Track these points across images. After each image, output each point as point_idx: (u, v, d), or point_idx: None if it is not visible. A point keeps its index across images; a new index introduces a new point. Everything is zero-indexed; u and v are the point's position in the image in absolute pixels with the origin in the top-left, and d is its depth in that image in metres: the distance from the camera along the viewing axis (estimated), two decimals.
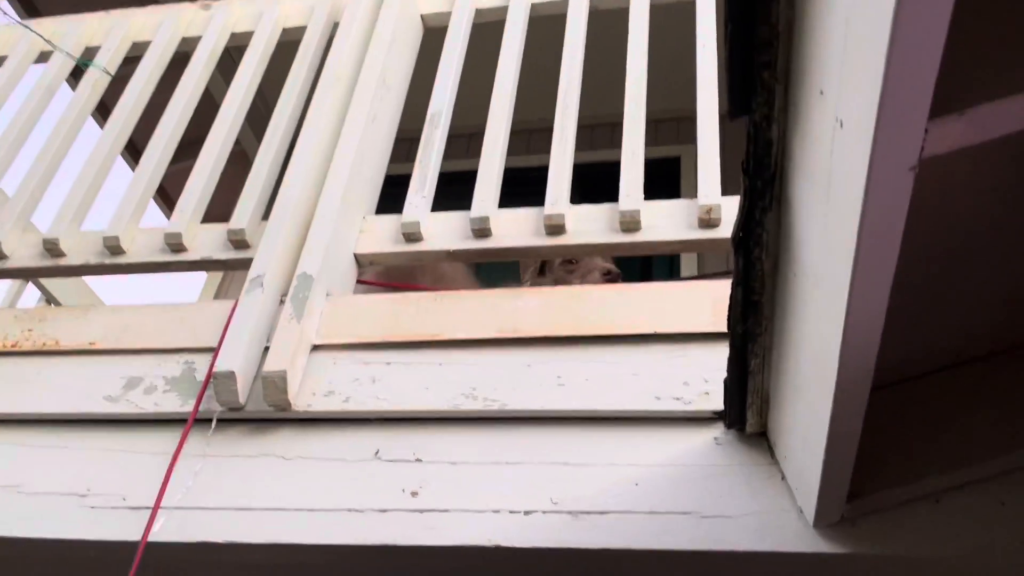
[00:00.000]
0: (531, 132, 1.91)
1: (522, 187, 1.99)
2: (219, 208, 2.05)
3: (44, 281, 2.67)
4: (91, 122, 2.36)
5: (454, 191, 1.92)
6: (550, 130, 1.74)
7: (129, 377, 1.55)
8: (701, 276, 2.55)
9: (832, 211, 0.76)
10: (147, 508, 1.39)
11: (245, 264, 1.74)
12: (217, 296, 3.86)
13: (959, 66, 0.62)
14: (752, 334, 1.07)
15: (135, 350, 1.59)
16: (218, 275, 3.92)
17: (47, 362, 1.61)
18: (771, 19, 0.72)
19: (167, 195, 4.48)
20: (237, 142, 3.63)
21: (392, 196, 1.85)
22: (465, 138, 2.87)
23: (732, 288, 1.02)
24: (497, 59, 1.90)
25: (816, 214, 0.80)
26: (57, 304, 2.71)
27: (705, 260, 3.00)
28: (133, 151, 2.23)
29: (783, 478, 1.23)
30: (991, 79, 0.65)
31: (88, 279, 3.09)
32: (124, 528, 1.38)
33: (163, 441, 1.47)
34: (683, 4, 1.98)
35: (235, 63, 2.07)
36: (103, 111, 2.23)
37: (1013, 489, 1.15)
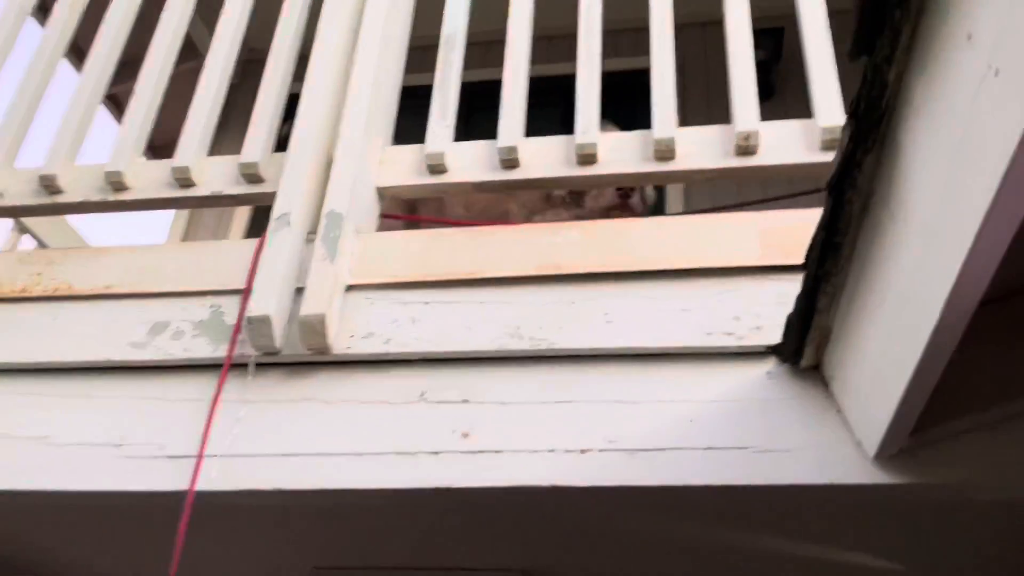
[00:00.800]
0: (550, 39, 1.82)
1: (544, 97, 1.93)
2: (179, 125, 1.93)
3: (31, 225, 2.54)
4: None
5: (471, 104, 1.85)
6: (570, 37, 1.67)
7: (154, 322, 1.49)
8: (758, 201, 2.52)
9: (965, 161, 0.73)
10: (186, 457, 1.36)
11: (259, 199, 1.67)
12: (186, 235, 3.73)
13: None
14: (828, 274, 1.05)
15: (156, 293, 1.52)
16: (184, 214, 3.76)
17: (61, 307, 1.54)
18: None
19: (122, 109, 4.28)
20: (196, 54, 3.46)
21: (402, 108, 1.77)
22: (481, 46, 2.76)
23: (816, 229, 0.99)
24: None
25: (937, 162, 0.77)
26: (42, 245, 2.59)
27: (742, 186, 2.97)
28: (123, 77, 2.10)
29: (838, 411, 1.24)
30: None
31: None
32: (165, 478, 1.35)
33: (196, 388, 1.43)
34: None
35: None
36: (84, 37, 2.08)
37: None
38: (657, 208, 3.21)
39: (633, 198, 2.14)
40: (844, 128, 0.86)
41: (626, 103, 2.31)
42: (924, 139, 0.79)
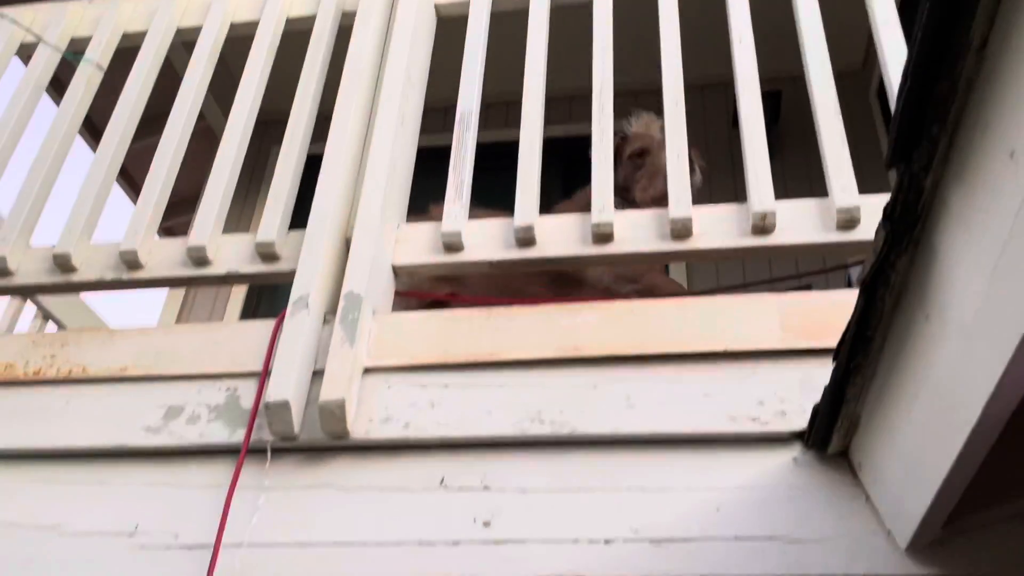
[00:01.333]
0: (551, 99, 1.85)
1: (554, 158, 1.96)
2: (183, 184, 1.93)
3: (48, 305, 2.52)
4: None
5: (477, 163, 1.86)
6: (573, 98, 1.69)
7: (169, 406, 1.47)
8: (765, 281, 2.54)
9: (1007, 271, 0.73)
10: (202, 546, 1.33)
11: (274, 278, 1.67)
12: (181, 313, 3.72)
13: None
14: (859, 367, 1.05)
15: (172, 376, 1.51)
16: (179, 293, 3.76)
17: (76, 391, 1.52)
18: (954, 76, 0.69)
19: (132, 180, 4.30)
20: (202, 116, 3.51)
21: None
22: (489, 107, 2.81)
23: (848, 324, 0.99)
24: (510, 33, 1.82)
25: (976, 269, 0.77)
26: (61, 327, 2.57)
27: (748, 264, 2.99)
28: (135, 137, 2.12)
29: (867, 499, 1.22)
30: None
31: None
32: (180, 568, 1.32)
33: (212, 474, 1.41)
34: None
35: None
36: (97, 110, 2.10)
37: None
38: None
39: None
40: (878, 229, 0.87)
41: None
42: (962, 246, 0.79)
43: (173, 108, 1.90)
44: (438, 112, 2.73)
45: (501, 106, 3.61)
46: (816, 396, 1.20)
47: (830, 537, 1.20)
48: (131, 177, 4.44)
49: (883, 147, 3.92)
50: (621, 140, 2.28)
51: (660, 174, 2.10)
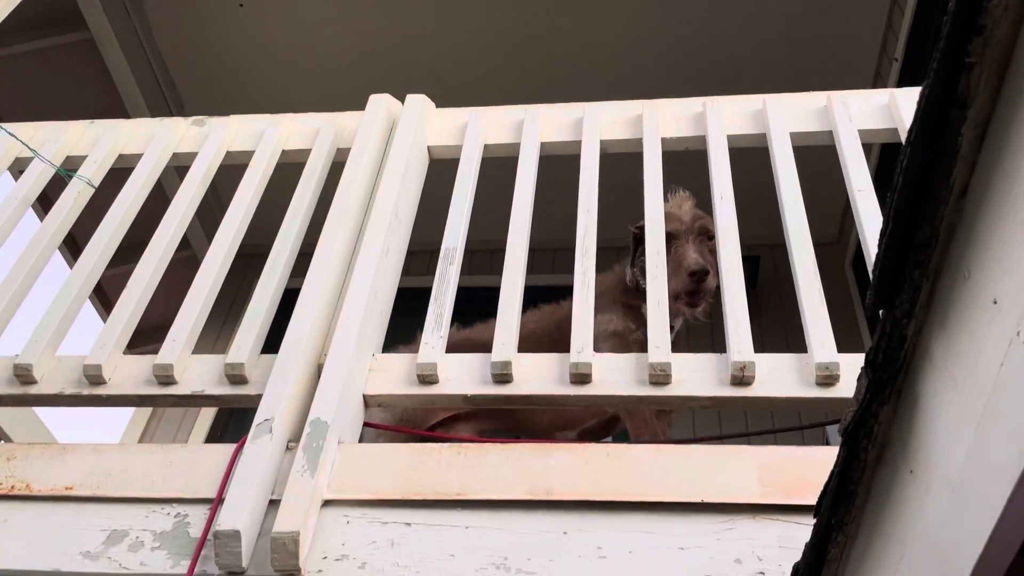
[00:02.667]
0: (535, 250, 1.88)
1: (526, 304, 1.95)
2: (162, 311, 1.90)
3: None
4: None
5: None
6: (555, 250, 1.71)
7: (112, 530, 1.39)
8: (743, 434, 2.51)
9: (991, 426, 0.71)
10: None
11: (241, 401, 1.62)
12: (145, 434, 3.61)
13: None
14: (841, 523, 1.00)
15: (119, 499, 1.43)
16: (145, 412, 3.66)
17: (16, 508, 1.43)
18: (935, 221, 0.69)
19: (105, 296, 4.27)
20: (187, 245, 3.50)
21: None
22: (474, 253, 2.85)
23: (829, 476, 0.96)
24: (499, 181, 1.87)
25: (961, 422, 0.75)
26: (7, 440, 2.47)
27: (725, 415, 2.97)
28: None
29: None
30: None
31: None
32: None
33: None
34: (690, 153, 2.00)
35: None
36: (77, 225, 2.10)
37: None
38: None
39: (708, 281, 2.05)
40: (860, 377, 0.85)
41: None
42: (946, 396, 0.78)
43: (159, 227, 1.90)
44: (424, 254, 2.77)
45: (486, 253, 3.68)
46: (795, 556, 1.15)
47: None
48: (108, 301, 4.42)
49: (859, 317, 4.00)
50: (639, 228, 2.22)
51: (686, 266, 2.04)
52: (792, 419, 2.31)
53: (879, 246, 0.72)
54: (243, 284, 4.37)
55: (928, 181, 0.68)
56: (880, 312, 0.79)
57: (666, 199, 2.24)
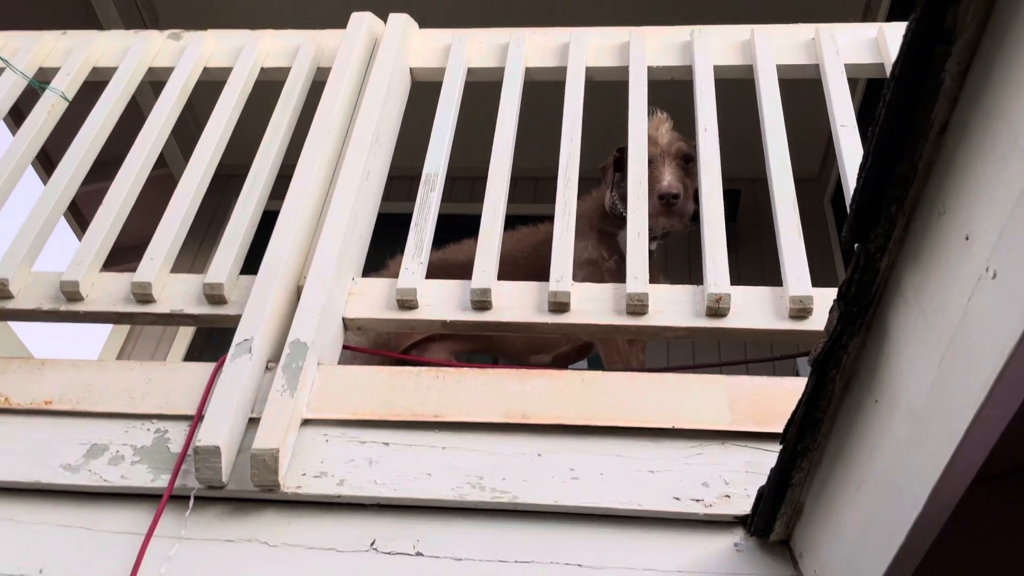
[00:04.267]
0: (517, 178, 1.88)
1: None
2: (139, 231, 1.88)
3: None
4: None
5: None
6: (536, 179, 1.71)
7: (91, 444, 1.40)
8: (715, 364, 2.55)
9: (957, 356, 0.73)
10: None
11: (220, 321, 1.63)
12: (123, 353, 3.61)
13: None
14: (806, 450, 1.04)
15: (98, 413, 1.44)
16: (122, 331, 3.65)
17: None
18: (914, 157, 0.70)
19: (80, 215, 4.21)
20: (163, 164, 3.45)
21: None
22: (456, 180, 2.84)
23: (797, 405, 0.98)
24: (483, 108, 1.84)
25: (927, 353, 0.78)
26: None
27: (699, 344, 3.01)
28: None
29: None
30: None
31: None
32: None
33: (130, 519, 1.33)
34: (683, 82, 1.99)
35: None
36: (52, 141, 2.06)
37: None
38: None
39: (677, 204, 2.05)
40: (832, 309, 0.87)
41: None
42: (914, 329, 0.80)
43: (135, 143, 1.87)
44: (404, 180, 2.75)
45: (467, 180, 3.66)
46: (761, 481, 1.19)
47: None
48: (83, 218, 4.35)
49: (836, 253, 4.04)
50: (620, 151, 2.22)
51: (658, 188, 2.02)
52: (765, 351, 2.35)
53: (858, 180, 0.73)
54: (221, 205, 4.33)
55: (910, 116, 0.69)
56: (855, 246, 0.80)
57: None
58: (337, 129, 1.82)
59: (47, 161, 3.67)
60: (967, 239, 0.68)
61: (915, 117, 0.68)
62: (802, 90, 2.19)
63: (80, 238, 4.11)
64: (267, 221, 1.70)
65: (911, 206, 0.74)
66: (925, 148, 0.70)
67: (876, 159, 0.70)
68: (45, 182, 1.91)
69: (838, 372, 0.93)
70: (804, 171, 4.23)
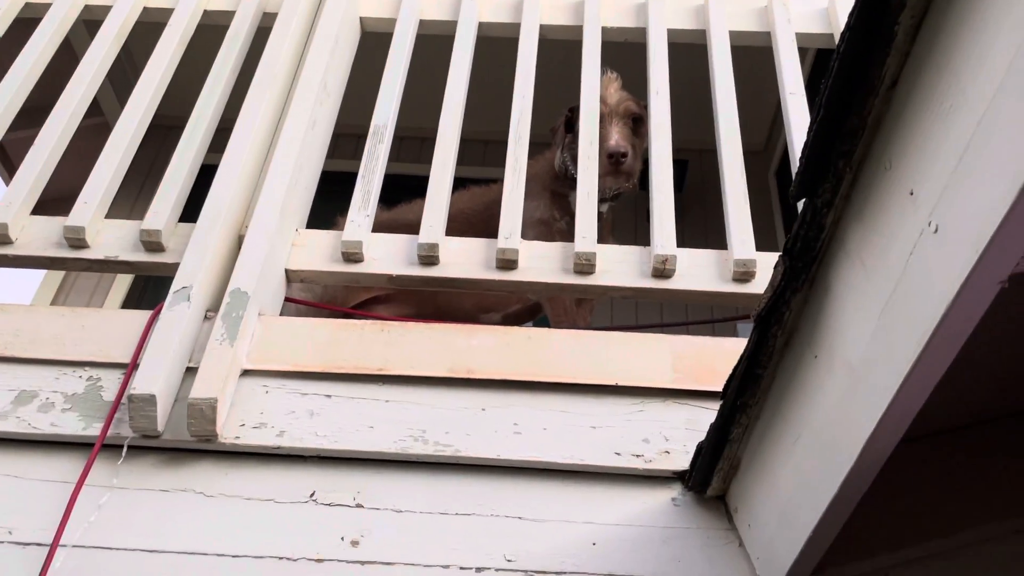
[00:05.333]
0: (468, 140, 1.86)
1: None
2: (72, 180, 1.81)
3: None
4: None
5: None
6: (489, 143, 1.70)
7: (20, 390, 1.35)
8: (658, 325, 2.56)
9: (896, 310, 0.75)
10: (38, 544, 1.22)
11: (157, 269, 1.58)
12: (56, 300, 3.49)
13: None
14: (745, 405, 1.05)
15: (28, 359, 1.39)
16: (56, 277, 3.52)
17: None
18: (864, 111, 0.71)
19: (10, 162, 4.04)
20: (99, 112, 3.32)
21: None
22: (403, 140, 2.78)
23: (739, 360, 1.00)
24: (433, 65, 1.81)
25: (867, 307, 0.79)
26: None
27: (644, 305, 3.03)
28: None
29: (740, 544, 1.23)
30: None
31: None
32: (10, 566, 1.20)
33: (60, 467, 1.29)
34: (635, 45, 1.98)
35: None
36: None
37: (956, 566, 1.19)
38: None
39: (625, 163, 2.04)
40: (777, 264, 0.88)
41: None
42: (856, 284, 0.81)
43: (69, 83, 1.79)
44: (352, 138, 2.70)
45: (416, 140, 3.61)
46: (701, 438, 1.21)
47: None
48: (11, 166, 4.18)
49: (778, 225, 4.11)
50: (571, 111, 2.21)
51: (605, 147, 2.00)
52: (708, 313, 2.39)
53: (808, 133, 0.73)
54: (160, 157, 4.20)
55: (862, 70, 0.69)
56: (803, 201, 0.81)
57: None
58: (283, 76, 1.77)
59: None
60: (911, 194, 0.69)
61: (867, 71, 0.69)
62: (751, 63, 2.21)
63: (7, 183, 3.95)
64: (207, 174, 1.64)
65: (859, 162, 0.75)
66: (875, 102, 0.70)
67: (827, 112, 0.71)
68: None
69: (780, 328, 0.94)
70: (751, 143, 4.25)
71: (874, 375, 0.80)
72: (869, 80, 0.69)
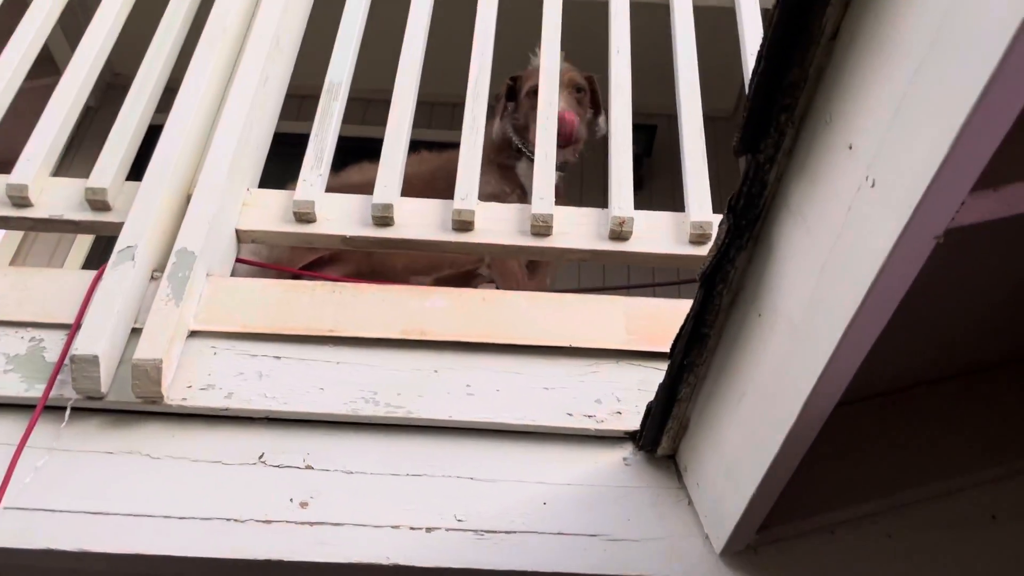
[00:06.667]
0: (426, 103, 1.84)
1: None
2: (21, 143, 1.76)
3: None
4: None
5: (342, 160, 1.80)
6: (447, 105, 1.67)
7: None
8: (622, 287, 2.56)
9: (835, 267, 0.74)
10: None
11: (103, 228, 1.54)
12: (14, 260, 3.42)
13: (1003, 143, 0.61)
14: (692, 364, 1.05)
15: None
16: (14, 239, 3.44)
17: None
18: (805, 63, 0.69)
19: None
20: (56, 71, 3.25)
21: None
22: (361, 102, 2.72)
23: (685, 319, 0.99)
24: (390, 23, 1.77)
25: (808, 265, 0.79)
26: None
27: (608, 270, 3.02)
28: None
29: (690, 503, 1.24)
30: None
31: None
32: None
33: (1, 429, 1.26)
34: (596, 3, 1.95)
35: None
36: None
37: (899, 523, 1.21)
38: None
39: (576, 144, 2.05)
40: (721, 222, 0.87)
41: None
42: (798, 241, 0.80)
43: (17, 29, 1.72)
44: (309, 100, 2.64)
45: (369, 103, 3.53)
46: (652, 397, 1.21)
47: (650, 539, 1.20)
48: None
49: None
50: (513, 80, 2.19)
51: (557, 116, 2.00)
52: (664, 276, 2.39)
53: (749, 87, 0.72)
54: (109, 119, 4.10)
55: (802, 21, 0.68)
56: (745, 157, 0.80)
57: (531, 59, 2.20)
58: (233, 30, 1.72)
59: None
60: (850, 148, 0.69)
61: (807, 21, 0.68)
62: (720, 28, 2.18)
63: None
64: (153, 135, 1.59)
65: (801, 116, 0.74)
66: (816, 53, 0.69)
67: (768, 64, 0.70)
68: None
69: (725, 287, 0.94)
70: (719, 109, 4.27)
71: (814, 332, 0.80)
72: (809, 31, 0.68)
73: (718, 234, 0.88)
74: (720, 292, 0.94)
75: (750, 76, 0.72)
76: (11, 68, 1.67)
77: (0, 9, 1.85)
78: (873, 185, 0.66)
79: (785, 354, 0.86)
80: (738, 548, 1.17)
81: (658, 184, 3.81)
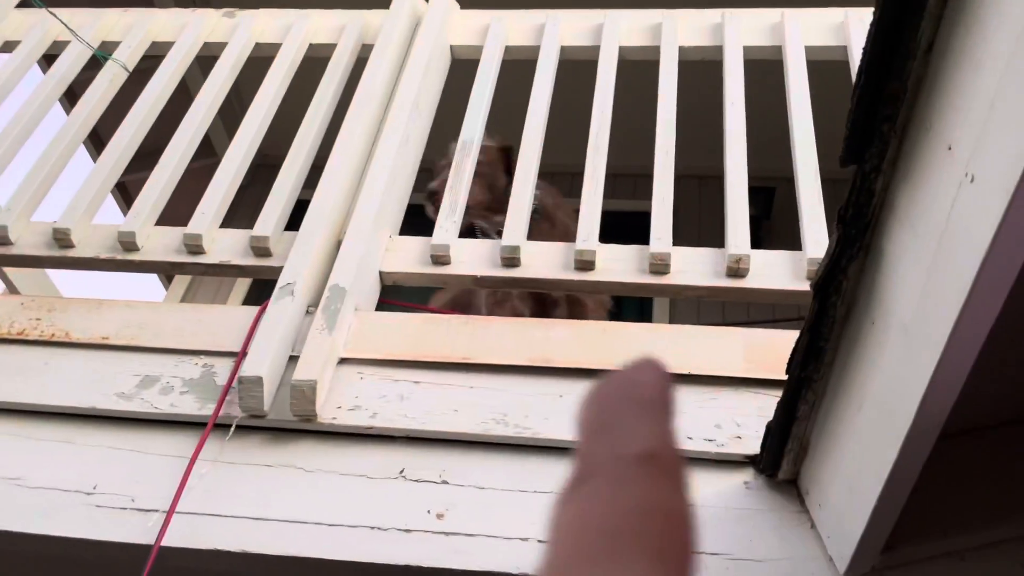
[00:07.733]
0: (553, 175, 1.97)
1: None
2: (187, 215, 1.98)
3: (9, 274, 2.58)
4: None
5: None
6: (575, 174, 1.79)
7: (144, 375, 1.50)
8: (741, 323, 2.59)
9: (941, 264, 0.79)
10: (156, 511, 1.35)
11: (265, 272, 1.72)
12: (184, 299, 3.77)
13: None
14: (810, 379, 1.09)
15: (151, 348, 1.54)
16: (182, 284, 3.81)
17: (56, 353, 1.55)
18: (903, 75, 0.76)
19: (130, 197, 4.37)
20: (213, 152, 3.58)
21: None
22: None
23: (801, 332, 1.05)
24: (514, 93, 1.92)
25: (917, 266, 0.84)
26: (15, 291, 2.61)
27: (726, 308, 3.06)
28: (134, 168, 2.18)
29: (812, 526, 1.25)
30: None
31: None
32: (132, 530, 1.33)
33: (177, 443, 1.43)
34: (708, 64, 2.05)
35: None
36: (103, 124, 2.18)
37: None
38: (640, 312, 3.32)
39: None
40: (831, 233, 0.93)
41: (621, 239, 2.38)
42: (906, 245, 0.86)
43: (184, 117, 1.97)
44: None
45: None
46: None
47: (773, 559, 1.23)
48: (128, 195, 4.52)
49: None
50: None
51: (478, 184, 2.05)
52: (793, 313, 2.40)
53: (852, 99, 0.79)
54: (264, 194, 4.48)
55: (898, 36, 0.75)
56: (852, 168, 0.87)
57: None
58: (379, 97, 1.91)
59: (98, 142, 3.83)
60: (949, 149, 0.75)
61: (903, 37, 0.75)
62: (839, 92, 2.22)
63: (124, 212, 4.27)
64: (300, 209, 1.76)
65: (903, 125, 0.81)
66: (914, 66, 0.76)
67: (868, 78, 0.77)
68: (95, 160, 1.99)
69: (839, 298, 0.99)
70: (836, 172, 4.25)
71: (924, 330, 0.84)
72: (906, 46, 0.75)
73: (829, 244, 0.94)
74: (834, 304, 0.99)
75: (851, 90, 0.79)
76: (188, 136, 1.92)
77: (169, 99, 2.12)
78: (972, 180, 0.72)
79: (898, 359, 0.90)
80: (863, 570, 1.18)
81: (779, 246, 3.81)
